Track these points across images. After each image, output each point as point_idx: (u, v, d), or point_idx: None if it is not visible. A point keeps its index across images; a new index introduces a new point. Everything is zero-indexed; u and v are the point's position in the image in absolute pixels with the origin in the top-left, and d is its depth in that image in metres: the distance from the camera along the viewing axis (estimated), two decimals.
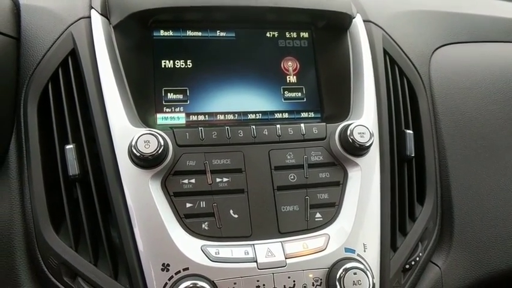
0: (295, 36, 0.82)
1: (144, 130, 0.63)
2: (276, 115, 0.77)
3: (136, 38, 0.74)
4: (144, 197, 0.62)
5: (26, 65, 0.71)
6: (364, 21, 0.85)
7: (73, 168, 0.65)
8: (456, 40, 0.96)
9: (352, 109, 0.75)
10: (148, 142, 0.61)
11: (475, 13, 1.02)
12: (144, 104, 0.72)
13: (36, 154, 0.67)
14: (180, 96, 0.74)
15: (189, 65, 0.76)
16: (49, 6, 0.76)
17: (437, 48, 0.92)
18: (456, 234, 0.79)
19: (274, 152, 0.69)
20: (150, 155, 0.61)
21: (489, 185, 0.83)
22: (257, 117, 0.76)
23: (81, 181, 0.66)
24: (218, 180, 0.65)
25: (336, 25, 0.81)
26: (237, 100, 0.76)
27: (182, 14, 0.75)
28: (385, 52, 0.83)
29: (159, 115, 0.73)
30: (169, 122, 0.73)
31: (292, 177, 0.68)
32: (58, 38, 0.72)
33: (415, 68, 0.86)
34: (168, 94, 0.74)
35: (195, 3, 0.72)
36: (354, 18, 0.82)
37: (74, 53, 0.71)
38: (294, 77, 0.79)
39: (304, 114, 0.78)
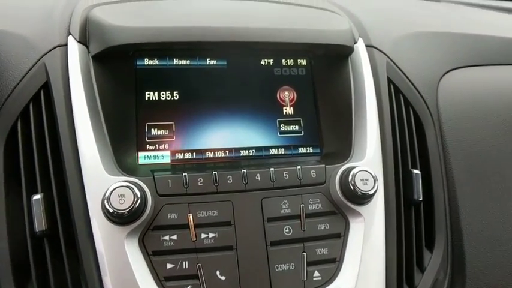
0: (292, 63, 0.76)
1: (119, 181, 0.57)
2: (271, 151, 0.71)
3: (118, 68, 0.68)
4: (119, 259, 0.55)
5: None
6: (366, 46, 0.78)
7: (40, 224, 0.58)
8: (464, 64, 0.89)
9: (354, 147, 0.68)
10: (123, 196, 0.54)
11: (484, 34, 0.96)
12: (125, 141, 0.65)
13: (0, 204, 0.60)
14: (165, 132, 0.68)
15: (176, 96, 0.69)
16: (23, 32, 0.70)
17: (444, 74, 0.86)
18: (469, 285, 0.72)
19: (267, 200, 0.62)
20: (125, 211, 0.54)
21: (504, 227, 0.76)
22: (250, 154, 0.70)
23: (49, 236, 0.59)
24: (204, 236, 0.59)
25: (336, 53, 0.74)
26: (229, 135, 0.70)
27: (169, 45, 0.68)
28: (389, 81, 0.77)
29: (141, 153, 0.66)
30: (152, 161, 0.67)
31: (287, 230, 0.61)
32: (30, 69, 0.66)
33: (422, 97, 0.79)
34: (152, 130, 0.67)
35: (184, 38, 0.65)
36: (356, 43, 0.76)
37: (47, 86, 0.64)
38: (291, 108, 0.73)
39: (301, 150, 0.72)
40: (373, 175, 0.62)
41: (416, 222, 0.72)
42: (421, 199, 0.71)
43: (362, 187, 0.61)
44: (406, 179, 0.72)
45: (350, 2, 0.92)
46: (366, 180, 0.61)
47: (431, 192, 0.74)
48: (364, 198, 0.62)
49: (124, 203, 0.54)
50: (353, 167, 0.63)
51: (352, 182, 0.61)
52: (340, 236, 0.63)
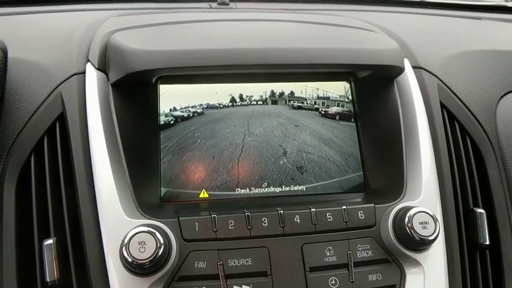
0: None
1: (139, 225, 0.50)
2: None
3: (140, 96, 0.62)
4: None
5: (7, 133, 0.60)
6: (413, 67, 0.70)
7: (51, 273, 0.52)
8: None
9: (406, 183, 0.60)
10: (144, 244, 0.48)
11: None
12: (147, 177, 0.59)
13: (11, 250, 0.54)
14: (193, 166, 0.61)
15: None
16: (39, 60, 0.66)
17: (502, 96, 0.77)
18: None
19: (308, 247, 0.54)
20: (146, 261, 0.47)
21: None
22: (284, 190, 0.62)
23: (62, 287, 0.53)
24: None
25: (381, 75, 0.66)
26: (260, 168, 0.63)
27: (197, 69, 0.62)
28: (442, 106, 0.68)
29: (165, 190, 0.60)
30: (177, 198, 0.60)
31: (333, 281, 0.53)
32: (45, 99, 0.62)
33: (480, 123, 0.70)
34: (178, 163, 0.61)
35: (215, 61, 0.58)
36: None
37: (62, 118, 0.60)
38: None
39: (342, 184, 0.64)
40: (434, 217, 0.53)
41: (482, 271, 0.62)
42: (487, 243, 0.61)
43: (421, 231, 0.52)
44: (468, 220, 0.62)
45: (388, 24, 0.85)
46: (426, 223, 0.52)
47: (497, 234, 0.64)
48: (423, 245, 0.53)
49: (145, 251, 0.47)
50: (409, 208, 0.54)
51: (409, 225, 0.52)
52: None
